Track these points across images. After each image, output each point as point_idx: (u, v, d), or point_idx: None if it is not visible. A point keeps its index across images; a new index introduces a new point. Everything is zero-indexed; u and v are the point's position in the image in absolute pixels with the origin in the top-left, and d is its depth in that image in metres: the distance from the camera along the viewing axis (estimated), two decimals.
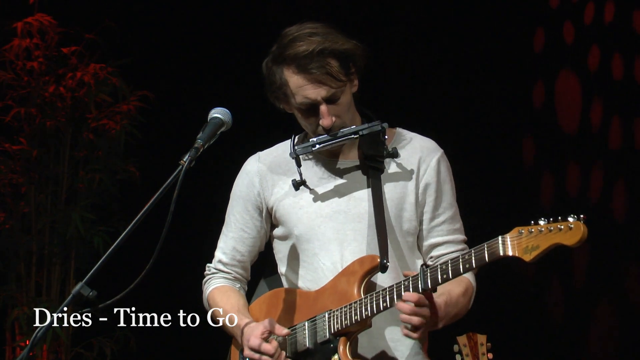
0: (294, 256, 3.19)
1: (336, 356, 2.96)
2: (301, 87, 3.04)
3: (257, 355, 3.02)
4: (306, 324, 3.06)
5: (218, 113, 2.93)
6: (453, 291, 3.01)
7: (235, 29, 6.43)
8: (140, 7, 6.46)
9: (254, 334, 3.03)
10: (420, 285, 2.84)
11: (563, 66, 5.98)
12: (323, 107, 3.04)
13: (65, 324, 6.03)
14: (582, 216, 2.61)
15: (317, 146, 3.09)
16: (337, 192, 3.14)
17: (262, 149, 3.33)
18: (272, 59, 3.09)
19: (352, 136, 3.07)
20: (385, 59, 6.03)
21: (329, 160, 3.18)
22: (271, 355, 3.00)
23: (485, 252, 2.73)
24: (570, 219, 2.61)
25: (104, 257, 2.68)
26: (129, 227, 2.69)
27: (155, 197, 2.74)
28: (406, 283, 2.87)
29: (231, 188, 3.35)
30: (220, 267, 3.31)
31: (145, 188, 6.03)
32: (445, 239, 3.14)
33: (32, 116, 6.17)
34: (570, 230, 2.60)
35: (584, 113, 5.90)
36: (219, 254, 3.32)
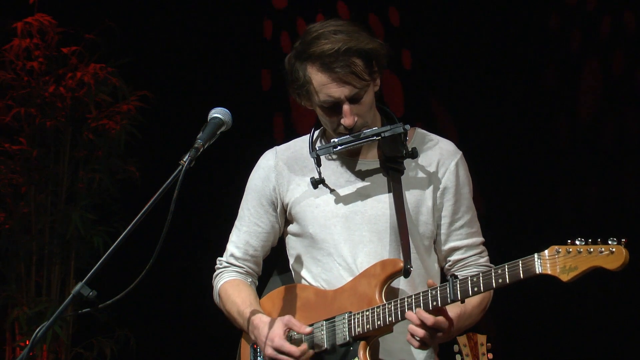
0: (308, 254, 3.17)
1: None
2: (325, 85, 3.03)
3: (281, 356, 2.99)
4: (324, 324, 3.04)
5: (218, 113, 2.93)
6: (469, 302, 3.00)
7: (235, 29, 6.43)
8: (140, 7, 6.46)
9: (276, 333, 3.01)
10: (449, 297, 2.83)
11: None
12: (346, 107, 3.03)
13: (66, 324, 6.03)
14: (623, 240, 2.59)
15: (339, 147, 3.07)
16: (355, 193, 3.12)
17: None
18: (296, 55, 3.08)
19: (374, 138, 3.06)
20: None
21: (348, 159, 3.17)
22: (296, 358, 2.98)
23: (520, 268, 2.72)
24: (611, 242, 2.59)
25: (104, 257, 2.68)
26: (129, 227, 2.69)
27: (155, 197, 2.73)
28: (434, 292, 2.86)
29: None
30: (233, 260, 3.29)
31: (145, 188, 6.03)
32: (464, 242, 3.13)
33: (32, 116, 6.16)
34: (612, 254, 2.58)
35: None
36: (231, 248, 3.29)
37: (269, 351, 3.01)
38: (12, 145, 6.17)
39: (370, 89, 3.06)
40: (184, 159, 2.80)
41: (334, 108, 3.05)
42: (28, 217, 6.15)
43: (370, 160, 3.15)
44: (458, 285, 2.81)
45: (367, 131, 3.06)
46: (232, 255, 3.29)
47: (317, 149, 3.11)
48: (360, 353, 2.95)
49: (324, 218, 3.12)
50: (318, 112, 3.11)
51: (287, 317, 3.02)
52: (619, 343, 5.78)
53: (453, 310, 2.94)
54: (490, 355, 4.31)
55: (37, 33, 6.18)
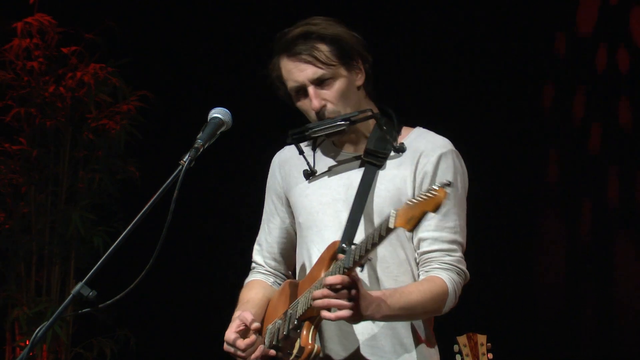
0: (299, 246, 3.19)
1: (299, 341, 2.94)
2: (290, 71, 3.05)
3: (231, 349, 3.02)
4: (287, 312, 3.05)
5: (218, 113, 2.93)
6: (411, 285, 2.96)
7: (235, 29, 6.43)
8: (140, 7, 6.46)
9: (230, 327, 3.03)
10: (345, 265, 2.80)
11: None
12: (310, 89, 3.03)
13: (66, 324, 6.03)
14: (446, 181, 2.63)
15: (309, 130, 3.06)
16: (339, 181, 3.12)
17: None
18: (273, 53, 3.11)
19: (341, 122, 3.03)
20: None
21: (338, 150, 3.17)
22: (242, 350, 2.99)
23: (382, 226, 2.71)
24: (435, 187, 2.63)
25: (104, 257, 2.68)
26: (129, 227, 2.69)
27: (155, 197, 2.74)
28: (339, 263, 2.84)
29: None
30: (257, 259, 3.32)
31: (145, 188, 6.04)
32: (431, 234, 3.03)
33: (32, 116, 6.17)
34: (434, 197, 2.61)
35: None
36: (255, 247, 3.34)
37: (224, 345, 3.04)
38: (12, 145, 6.17)
39: (343, 77, 3.05)
40: (184, 159, 2.80)
41: (302, 94, 3.06)
42: (28, 217, 6.15)
43: (358, 153, 3.13)
44: (351, 253, 2.79)
45: (338, 117, 3.04)
46: (255, 252, 3.33)
47: (289, 133, 3.11)
48: (303, 333, 2.92)
49: (310, 206, 3.13)
50: (295, 104, 3.12)
51: (242, 313, 3.04)
52: (618, 343, 5.78)
53: (391, 287, 2.94)
54: (490, 355, 4.31)
55: (37, 33, 6.18)
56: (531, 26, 5.99)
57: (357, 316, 2.82)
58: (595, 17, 5.94)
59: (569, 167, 5.97)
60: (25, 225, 6.15)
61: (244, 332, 3.02)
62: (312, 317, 2.93)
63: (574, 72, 5.96)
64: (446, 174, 3.05)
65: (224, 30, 6.45)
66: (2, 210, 6.12)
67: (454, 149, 3.11)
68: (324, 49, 3.02)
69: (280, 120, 3.20)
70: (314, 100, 3.03)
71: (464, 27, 6.07)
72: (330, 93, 3.04)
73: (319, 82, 3.04)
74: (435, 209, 2.62)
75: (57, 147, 6.24)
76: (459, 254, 3.05)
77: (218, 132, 2.91)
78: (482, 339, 4.34)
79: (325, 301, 2.79)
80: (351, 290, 2.78)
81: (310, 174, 3.16)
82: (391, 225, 2.68)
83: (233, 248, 6.17)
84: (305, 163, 3.17)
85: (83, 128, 6.22)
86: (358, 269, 2.84)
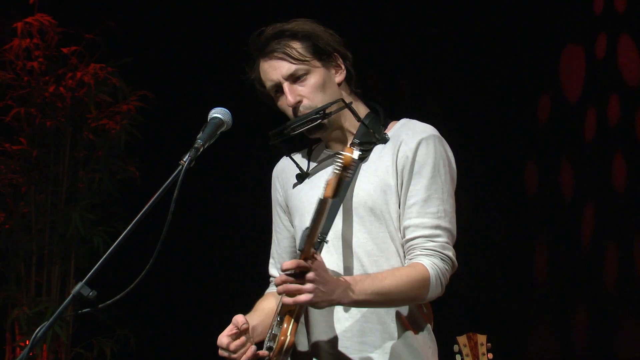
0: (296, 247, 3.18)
1: (281, 335, 2.92)
2: (266, 72, 3.06)
3: (225, 353, 2.99)
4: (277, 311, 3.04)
5: (218, 113, 2.93)
6: (387, 271, 2.92)
7: (236, 29, 6.43)
8: (140, 7, 6.46)
9: (223, 332, 3.00)
10: (298, 248, 2.78)
11: None
12: (285, 86, 3.02)
13: (66, 324, 6.03)
14: (353, 145, 2.66)
15: (289, 128, 3.03)
16: (327, 179, 3.11)
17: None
18: (249, 56, 3.11)
19: (315, 115, 3.02)
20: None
21: (326, 150, 3.17)
22: (233, 352, 2.96)
23: (317, 200, 2.71)
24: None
25: (104, 257, 2.68)
26: (129, 227, 2.69)
27: (155, 197, 2.74)
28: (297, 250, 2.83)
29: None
30: (272, 272, 3.30)
31: (145, 188, 6.04)
32: (413, 221, 2.97)
33: (32, 116, 6.17)
34: (344, 159, 2.61)
35: None
36: (270, 260, 3.31)
37: (219, 350, 3.01)
38: (12, 145, 6.17)
39: (319, 73, 3.04)
40: (184, 159, 2.80)
41: (280, 92, 3.05)
42: (28, 217, 6.15)
43: (344, 150, 3.12)
44: (303, 235, 2.77)
45: (312, 111, 3.02)
46: (270, 266, 3.31)
47: (270, 134, 3.09)
48: (284, 326, 2.89)
49: (302, 208, 3.12)
50: (277, 104, 3.11)
51: (235, 317, 3.01)
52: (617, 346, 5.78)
53: (363, 273, 2.91)
54: (490, 355, 4.31)
55: (37, 33, 6.18)
56: (513, 93, 5.91)
57: (318, 300, 2.76)
58: (583, 78, 5.83)
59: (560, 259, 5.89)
60: (25, 225, 6.15)
61: (236, 335, 2.99)
62: (291, 311, 2.89)
63: (559, 141, 5.82)
64: (426, 158, 2.99)
65: (224, 30, 6.45)
66: (2, 210, 6.13)
67: (436, 134, 3.04)
68: (296, 45, 3.02)
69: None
70: (289, 96, 3.01)
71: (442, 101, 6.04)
72: (305, 89, 3.02)
73: (294, 79, 3.02)
74: (344, 172, 2.62)
75: (57, 147, 6.24)
76: (443, 239, 2.97)
77: (218, 132, 2.91)
78: (482, 339, 4.34)
79: (284, 286, 2.75)
80: (306, 273, 2.73)
81: (302, 177, 3.15)
82: (321, 196, 2.66)
83: (233, 248, 6.18)
84: (302, 168, 3.17)
85: (83, 128, 6.22)
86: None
